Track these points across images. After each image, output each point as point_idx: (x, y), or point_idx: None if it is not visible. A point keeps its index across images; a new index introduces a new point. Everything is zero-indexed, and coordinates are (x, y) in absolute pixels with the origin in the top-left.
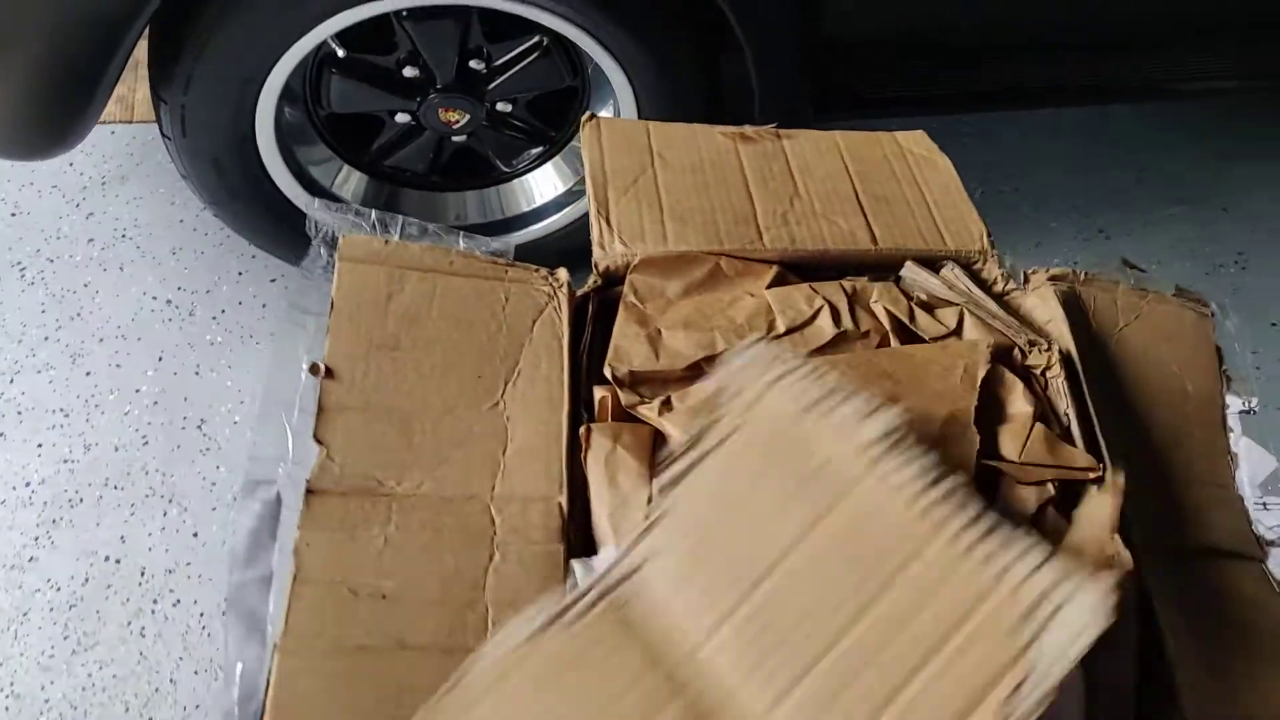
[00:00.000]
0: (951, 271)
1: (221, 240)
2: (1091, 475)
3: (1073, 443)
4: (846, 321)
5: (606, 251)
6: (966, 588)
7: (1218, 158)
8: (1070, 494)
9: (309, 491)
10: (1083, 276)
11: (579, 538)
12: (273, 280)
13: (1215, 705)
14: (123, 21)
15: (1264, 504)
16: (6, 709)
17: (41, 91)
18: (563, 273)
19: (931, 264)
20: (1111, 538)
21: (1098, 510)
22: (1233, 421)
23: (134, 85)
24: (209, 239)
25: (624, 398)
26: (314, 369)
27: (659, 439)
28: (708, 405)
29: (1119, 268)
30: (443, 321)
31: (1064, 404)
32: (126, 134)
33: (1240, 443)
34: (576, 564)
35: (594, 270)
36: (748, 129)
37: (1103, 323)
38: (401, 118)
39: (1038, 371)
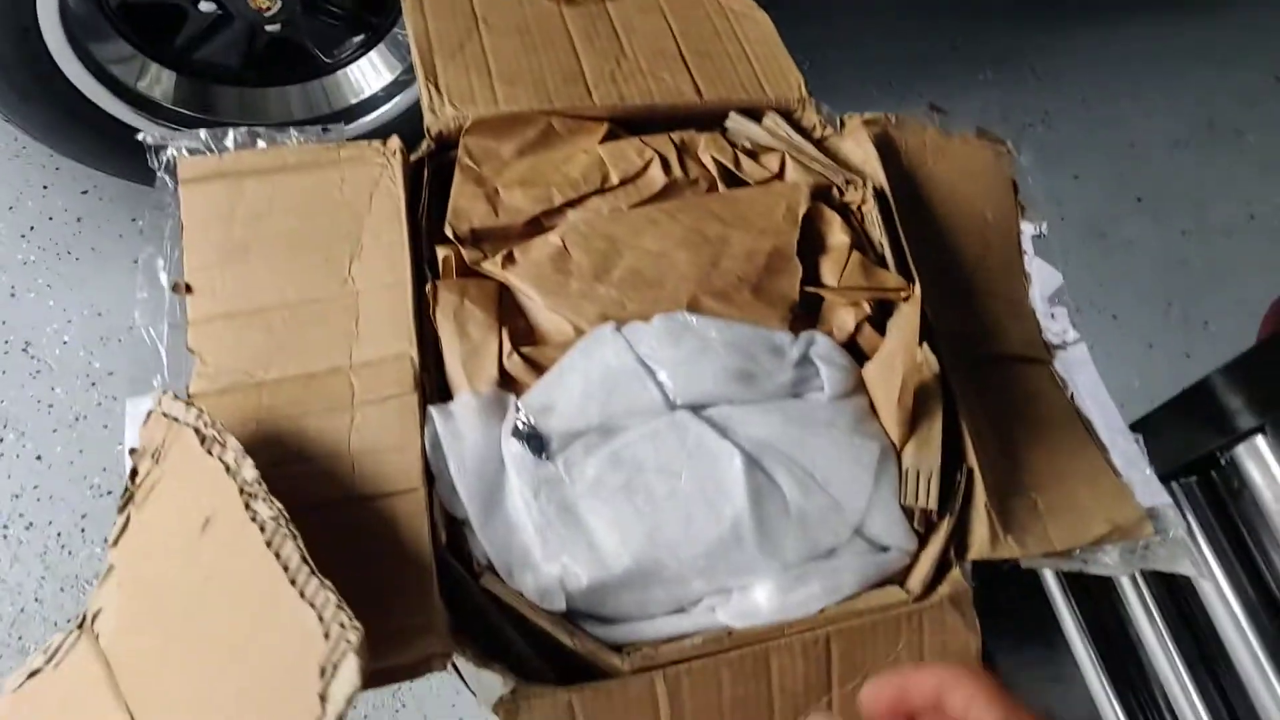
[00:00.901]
0: (773, 120)
1: (18, 151)
2: (903, 294)
3: (886, 268)
4: (676, 171)
5: (437, 116)
6: (292, 628)
7: (1024, 25)
8: (886, 314)
9: (190, 396)
10: (894, 120)
11: (434, 388)
12: (84, 192)
13: (1006, 476)
14: None
15: (1051, 314)
16: None
17: None
18: (394, 140)
19: (754, 115)
20: (920, 346)
21: (905, 321)
22: (1026, 245)
23: None
24: (3, 151)
25: (467, 255)
26: (175, 287)
27: (504, 292)
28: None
29: (926, 112)
30: (286, 217)
31: (878, 234)
32: None
33: (1033, 262)
34: (434, 409)
35: (426, 135)
36: None
37: (912, 161)
38: (206, 6)
39: (854, 207)
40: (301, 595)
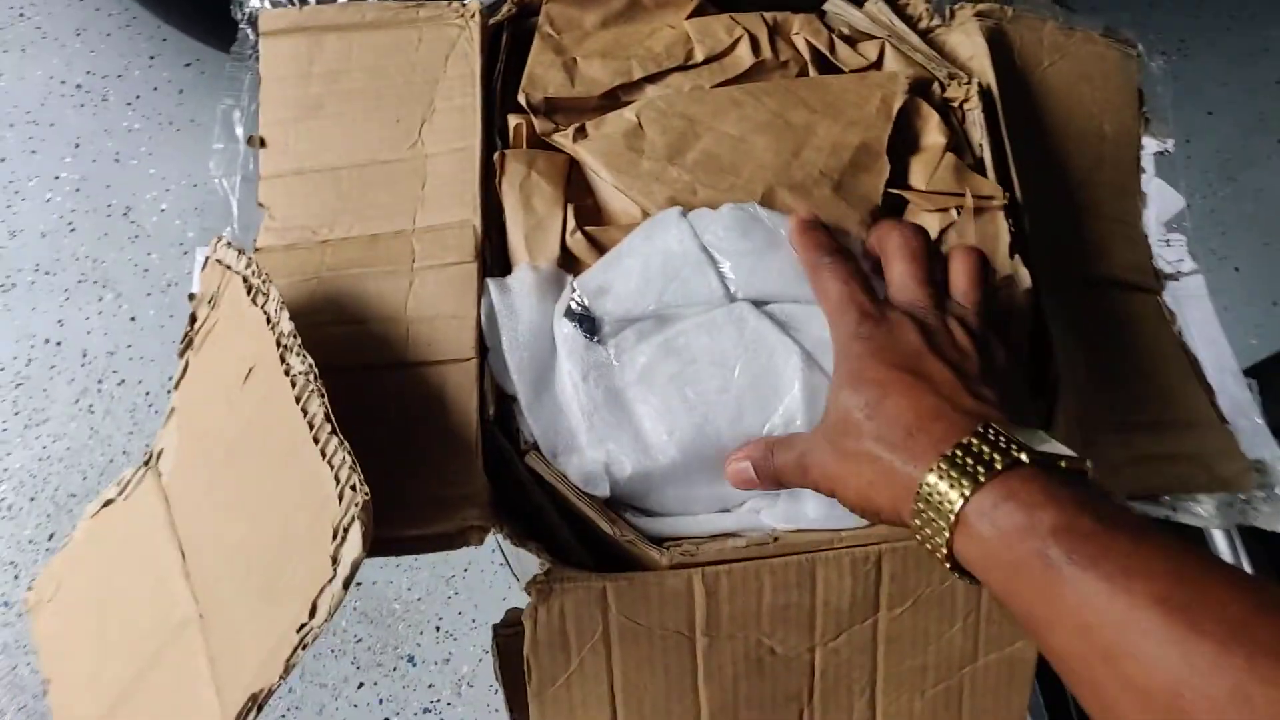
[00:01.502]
0: (875, 5)
1: (128, 22)
2: (995, 203)
3: (984, 174)
4: (766, 51)
5: None
6: (312, 486)
7: None
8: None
9: (256, 249)
10: (1010, 13)
11: (495, 258)
12: (187, 65)
13: (1093, 405)
14: None
15: (1167, 240)
16: None
17: None
18: (474, 2)
19: (858, 0)
20: (1012, 258)
21: (991, 227)
22: (1147, 162)
23: None
24: (114, 20)
25: (539, 125)
26: (250, 140)
27: (573, 167)
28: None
29: (1046, 5)
30: (361, 75)
31: (979, 136)
32: None
33: (1152, 183)
34: (491, 283)
35: None
36: None
37: (1026, 60)
38: None
39: (955, 104)
40: (322, 455)
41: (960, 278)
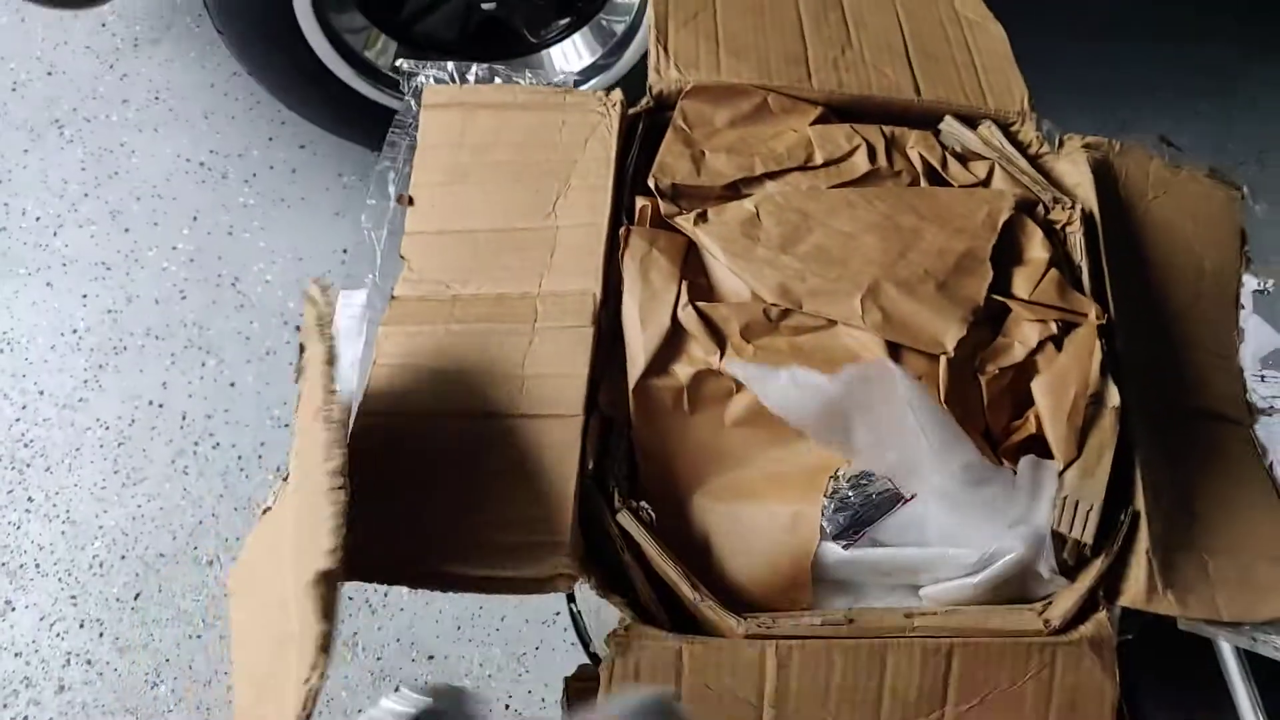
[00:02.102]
0: (988, 129)
1: (252, 105)
2: (1093, 320)
3: (1083, 293)
4: (881, 160)
5: (661, 76)
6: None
7: (1246, 52)
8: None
9: (393, 297)
10: (1117, 147)
11: (609, 325)
12: (302, 146)
13: (1177, 531)
14: None
15: (1261, 376)
16: (63, 533)
17: None
18: (616, 93)
19: (970, 122)
20: (1104, 376)
21: (1085, 342)
22: (1245, 299)
23: None
24: (240, 104)
25: (664, 208)
26: (400, 199)
27: (691, 249)
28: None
29: (1155, 143)
30: (508, 148)
31: (1079, 258)
32: None
33: (1250, 319)
34: None
35: (648, 92)
36: None
37: (1131, 192)
38: None
39: (1058, 226)
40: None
41: None
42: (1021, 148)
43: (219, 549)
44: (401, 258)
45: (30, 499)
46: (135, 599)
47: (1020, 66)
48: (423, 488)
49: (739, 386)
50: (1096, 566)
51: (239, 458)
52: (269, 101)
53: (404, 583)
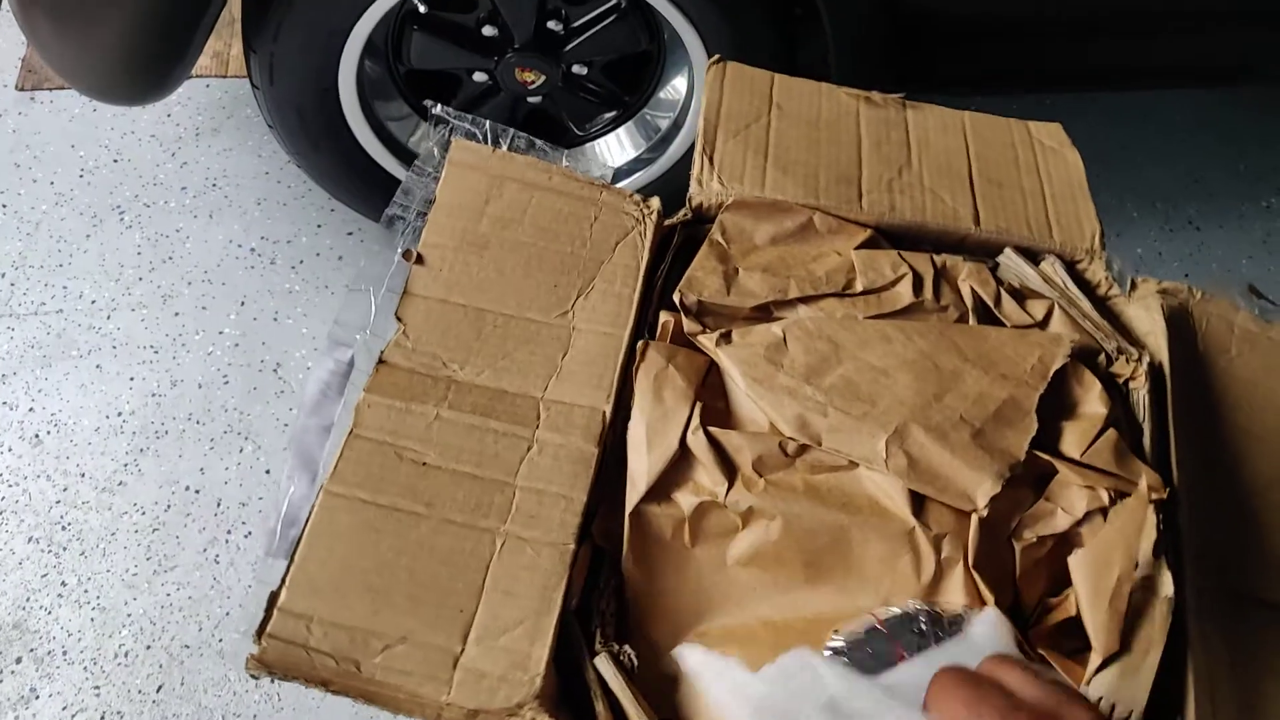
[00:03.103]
0: (1051, 265)
1: (303, 193)
2: (1154, 496)
3: (1144, 459)
4: (928, 292)
5: (703, 188)
6: None
7: None
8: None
9: (381, 361)
10: (1198, 295)
11: (615, 446)
12: (349, 234)
13: None
14: None
15: None
16: (92, 620)
17: (143, 39)
18: (655, 201)
19: (1033, 256)
20: (1157, 559)
21: (1132, 516)
22: None
23: (229, 41)
24: (291, 191)
25: (687, 324)
26: (407, 255)
27: (713, 369)
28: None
29: (1242, 293)
30: (532, 230)
31: (1142, 417)
32: (220, 88)
33: None
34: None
35: (687, 204)
36: (875, 94)
37: (1211, 347)
38: (479, 76)
39: (1121, 380)
40: None
41: None
42: (1088, 288)
43: (246, 642)
44: (398, 319)
45: (64, 583)
46: (157, 691)
47: (1091, 177)
48: (384, 592)
49: (745, 521)
50: None
51: None
52: (319, 189)
53: (347, 693)
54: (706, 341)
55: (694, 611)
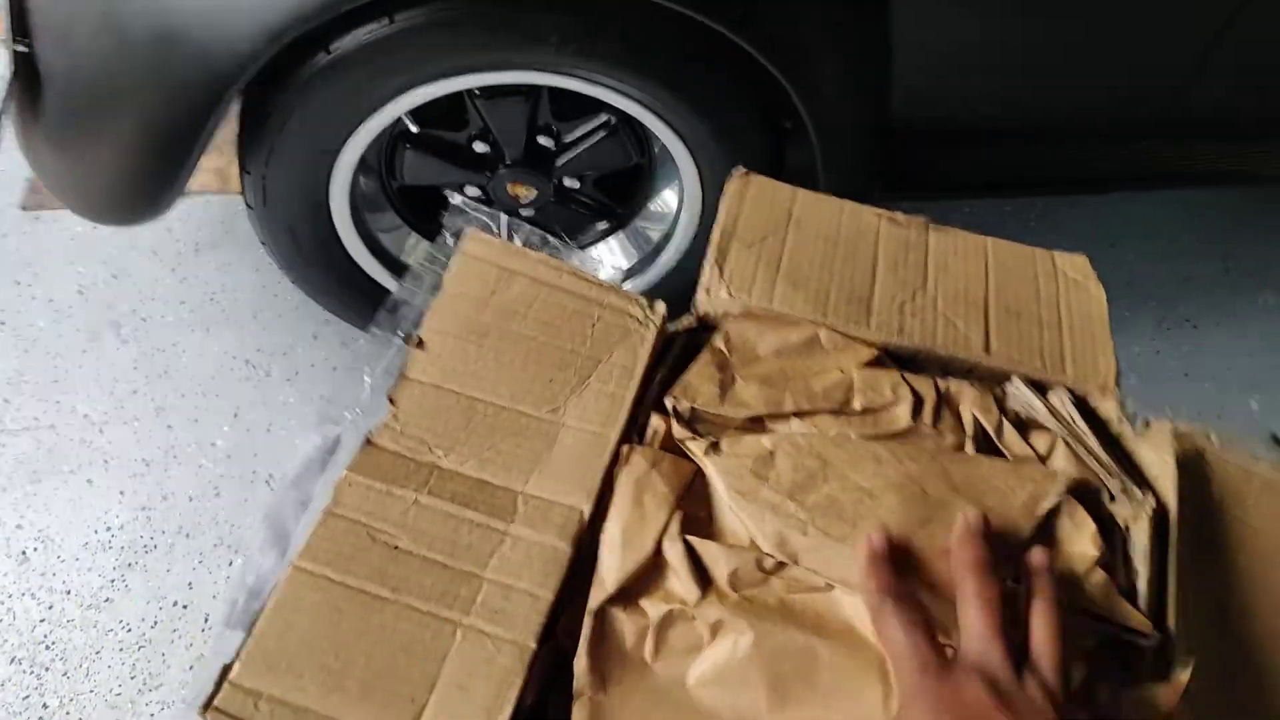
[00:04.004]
0: (1059, 398)
1: (298, 304)
2: (1143, 640)
3: (1135, 604)
4: (927, 416)
5: (710, 297)
6: None
7: None
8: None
9: (367, 441)
10: (1215, 439)
11: (589, 547)
12: (344, 345)
13: None
14: (211, 99)
15: None
16: None
17: (138, 163)
18: (660, 306)
19: (1043, 389)
20: None
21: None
22: None
23: (230, 158)
24: (288, 303)
25: (677, 430)
26: (408, 339)
27: (697, 480)
28: None
29: (1265, 441)
30: (535, 325)
31: (1140, 563)
32: (220, 204)
33: None
34: None
35: (693, 312)
36: (900, 215)
37: (1226, 493)
38: (471, 191)
39: (1122, 522)
40: None
41: (1041, 634)
42: (1099, 424)
43: None
44: (390, 401)
45: (45, 705)
46: None
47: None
48: (339, 675)
49: (713, 635)
50: None
51: None
52: (313, 301)
53: None
54: (695, 448)
55: None
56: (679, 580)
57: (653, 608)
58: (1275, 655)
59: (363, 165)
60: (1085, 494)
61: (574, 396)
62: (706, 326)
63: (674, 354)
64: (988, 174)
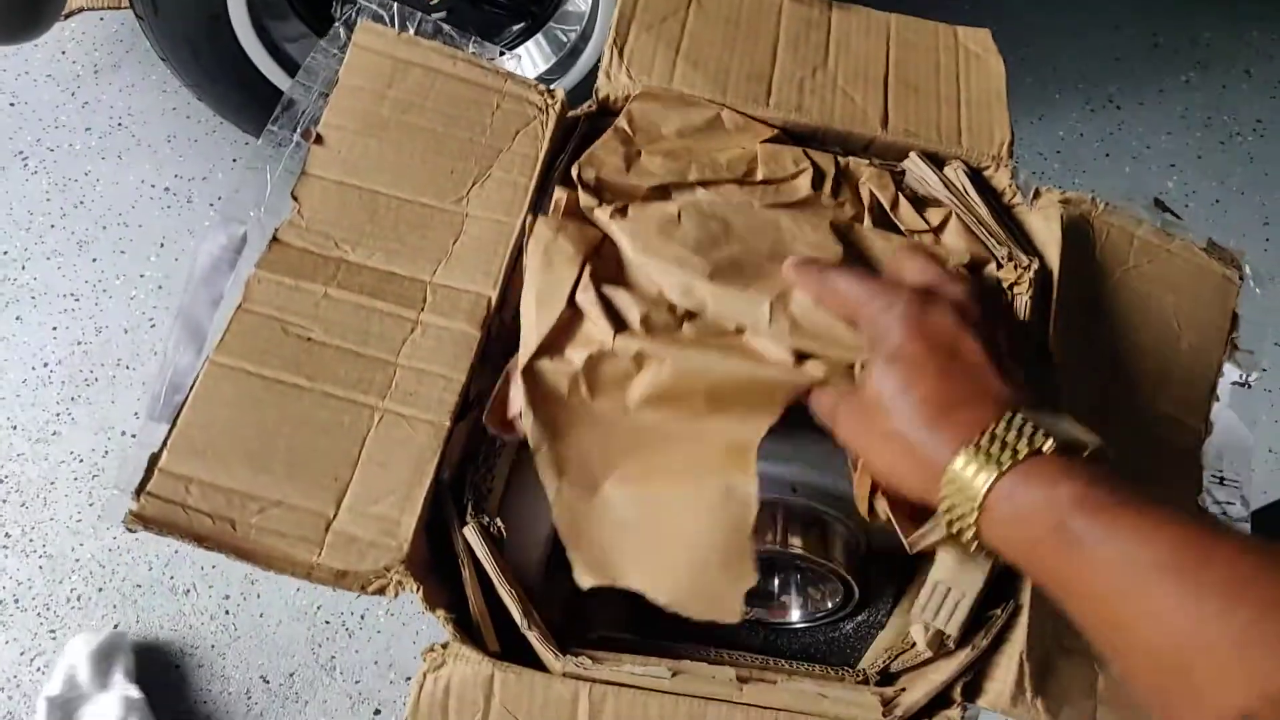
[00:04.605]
0: (954, 171)
1: (215, 128)
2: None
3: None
4: (826, 189)
5: (610, 80)
6: None
7: (1239, 20)
8: None
9: (274, 239)
10: (1100, 207)
11: (499, 332)
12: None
13: (1068, 636)
14: None
15: (1220, 478)
16: (40, 568)
17: None
18: (559, 91)
19: (940, 162)
20: None
21: None
22: (1222, 390)
23: None
24: (202, 126)
25: (582, 199)
26: (306, 134)
27: (604, 245)
28: None
29: (1147, 206)
30: (433, 115)
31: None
32: (115, 20)
33: (1223, 413)
34: None
35: (594, 96)
36: None
37: (1108, 257)
38: None
39: (1007, 285)
40: None
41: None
42: (994, 195)
43: (195, 578)
44: (293, 198)
45: (7, 534)
46: (113, 630)
47: (1000, 43)
48: (263, 459)
49: (638, 366)
50: (959, 660)
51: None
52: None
53: (221, 550)
54: (601, 215)
55: (606, 458)
56: (595, 326)
57: (576, 354)
58: (1147, 408)
59: None
60: (977, 265)
61: (476, 186)
62: (608, 111)
63: (574, 141)
64: None
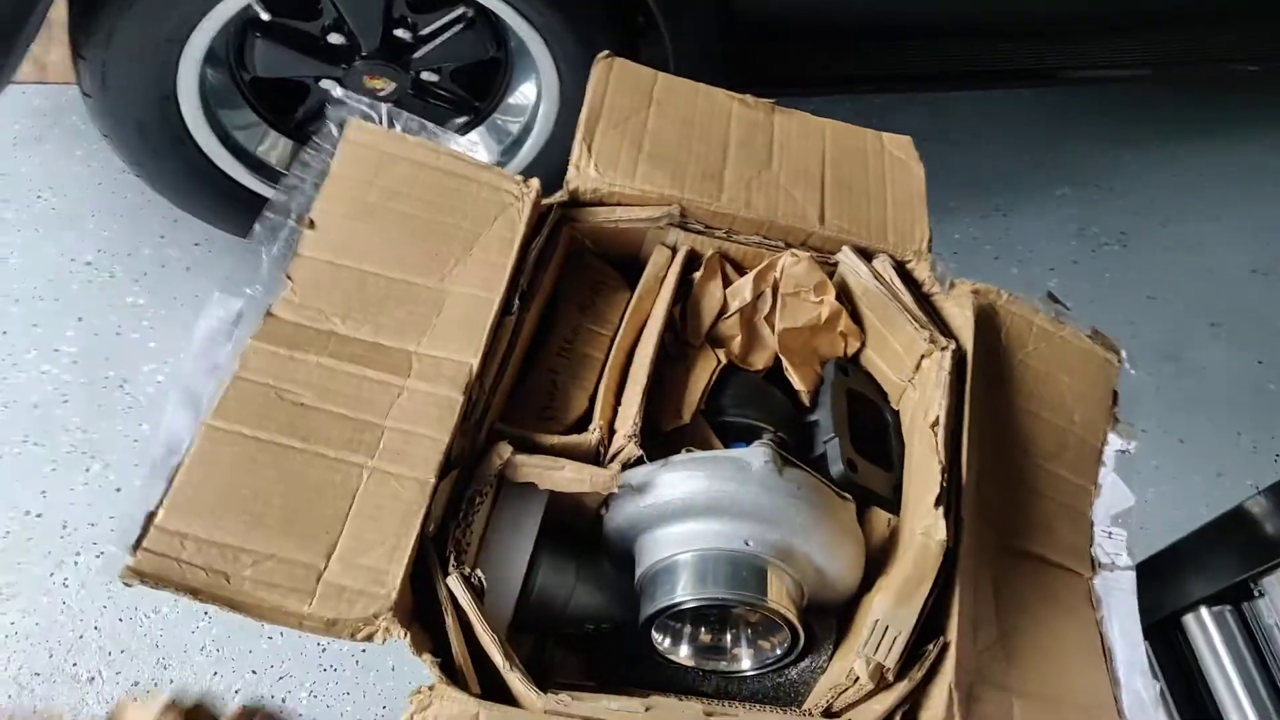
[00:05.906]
0: (882, 263)
1: (143, 204)
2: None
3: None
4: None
5: (580, 173)
6: None
7: (1111, 144)
8: None
9: (269, 313)
10: (1004, 297)
11: (480, 397)
12: (196, 244)
13: (991, 670)
14: None
15: (1109, 533)
16: None
17: None
18: (535, 182)
19: (868, 255)
20: (935, 508)
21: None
22: (1108, 457)
23: (47, 45)
24: (128, 201)
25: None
26: (300, 220)
27: None
28: None
29: (1042, 299)
30: (418, 203)
31: (939, 399)
32: (39, 95)
33: (1109, 477)
34: None
35: (565, 187)
36: (749, 97)
37: (1011, 341)
38: (326, 83)
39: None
40: None
41: None
42: (914, 285)
43: (101, 664)
44: (287, 277)
45: None
46: None
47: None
48: (258, 516)
49: None
50: (898, 691)
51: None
52: (159, 198)
53: (214, 602)
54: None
55: None
56: None
57: None
58: (1041, 471)
59: (211, 56)
60: None
61: (458, 266)
62: (578, 202)
63: (548, 225)
64: (822, 69)
